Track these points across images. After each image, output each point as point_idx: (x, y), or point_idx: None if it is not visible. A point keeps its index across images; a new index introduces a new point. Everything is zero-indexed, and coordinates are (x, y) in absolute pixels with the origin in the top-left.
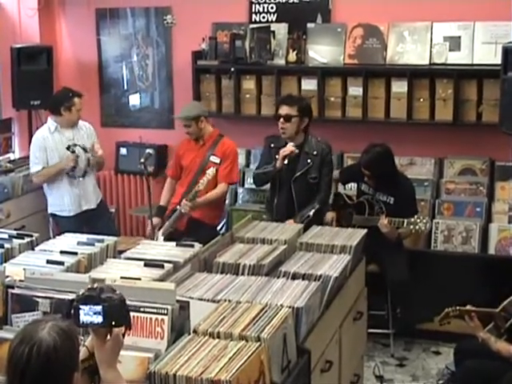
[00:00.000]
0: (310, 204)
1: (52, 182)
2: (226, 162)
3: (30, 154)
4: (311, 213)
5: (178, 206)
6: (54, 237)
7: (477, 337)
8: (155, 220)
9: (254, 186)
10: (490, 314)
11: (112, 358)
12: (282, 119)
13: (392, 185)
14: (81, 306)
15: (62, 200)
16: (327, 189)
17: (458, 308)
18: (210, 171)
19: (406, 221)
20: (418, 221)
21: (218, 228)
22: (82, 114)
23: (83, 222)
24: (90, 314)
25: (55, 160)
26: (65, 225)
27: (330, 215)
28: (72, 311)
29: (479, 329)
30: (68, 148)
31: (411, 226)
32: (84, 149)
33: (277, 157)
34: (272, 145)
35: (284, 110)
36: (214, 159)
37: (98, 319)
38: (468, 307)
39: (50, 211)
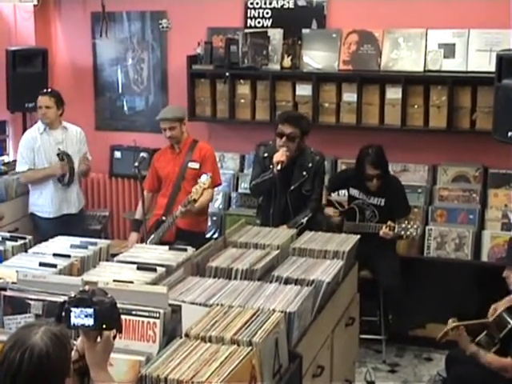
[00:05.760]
0: (303, 212)
1: (37, 183)
2: (206, 166)
3: (18, 152)
4: (304, 220)
5: (164, 217)
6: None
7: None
8: (134, 235)
9: (247, 191)
10: (484, 324)
11: (102, 360)
12: (285, 138)
13: (382, 185)
14: (72, 309)
15: (44, 201)
16: (319, 197)
17: (454, 325)
18: (205, 180)
19: (396, 227)
20: (409, 226)
21: (208, 236)
22: (63, 115)
23: (61, 225)
24: (80, 317)
25: (42, 160)
26: (42, 226)
27: (330, 210)
28: (63, 313)
29: (467, 343)
30: (58, 155)
31: (402, 232)
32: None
33: (271, 167)
34: (265, 155)
35: (288, 128)
36: (193, 165)
37: (89, 322)
38: (461, 322)
39: (30, 210)
